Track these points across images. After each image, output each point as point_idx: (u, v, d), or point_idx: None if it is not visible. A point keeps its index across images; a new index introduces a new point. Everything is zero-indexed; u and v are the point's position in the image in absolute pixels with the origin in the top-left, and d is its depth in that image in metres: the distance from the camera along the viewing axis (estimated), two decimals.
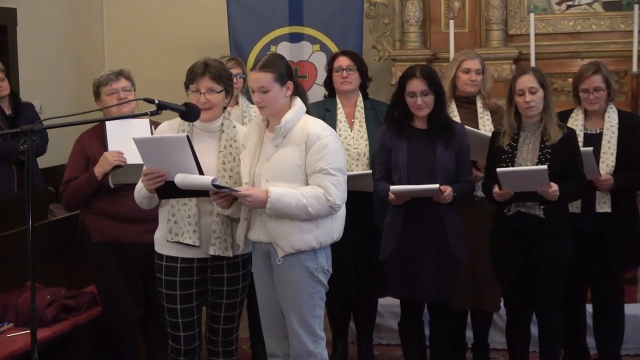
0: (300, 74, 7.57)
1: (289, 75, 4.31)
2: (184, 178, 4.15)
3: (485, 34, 7.53)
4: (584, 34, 7.52)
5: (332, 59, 5.74)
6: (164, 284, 4.48)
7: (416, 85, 4.88)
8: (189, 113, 4.15)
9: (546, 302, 5.01)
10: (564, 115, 5.26)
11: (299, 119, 4.29)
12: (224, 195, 4.23)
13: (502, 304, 5.48)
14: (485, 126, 5.44)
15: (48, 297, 5.07)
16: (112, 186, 4.94)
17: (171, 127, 4.54)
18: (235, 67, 5.46)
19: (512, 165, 4.91)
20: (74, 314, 5.17)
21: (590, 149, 5.07)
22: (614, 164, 5.15)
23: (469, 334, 5.77)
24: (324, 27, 7.68)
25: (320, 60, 7.59)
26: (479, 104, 5.53)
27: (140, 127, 4.93)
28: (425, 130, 4.96)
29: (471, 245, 5.28)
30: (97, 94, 5.15)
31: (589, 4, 7.55)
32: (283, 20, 7.73)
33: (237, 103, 5.58)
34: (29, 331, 3.67)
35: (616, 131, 5.20)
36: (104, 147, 4.99)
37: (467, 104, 5.54)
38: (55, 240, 5.60)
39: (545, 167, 4.75)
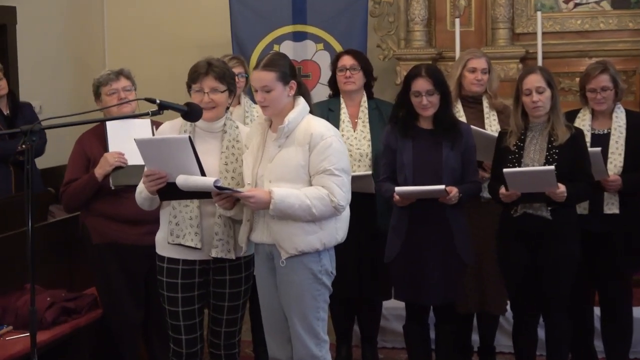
0: (303, 73, 7.58)
1: (292, 74, 4.31)
2: (186, 179, 4.15)
3: (492, 33, 7.52)
4: (592, 32, 7.51)
5: (336, 58, 5.74)
6: (165, 286, 4.48)
7: (421, 84, 4.87)
8: (191, 113, 4.15)
9: (553, 305, 5.01)
10: (571, 116, 5.25)
11: (303, 119, 4.29)
12: (226, 196, 4.23)
13: (508, 307, 5.47)
14: (492, 126, 5.44)
15: (48, 299, 5.08)
16: (112, 187, 4.95)
17: (173, 127, 4.54)
18: (237, 67, 5.47)
19: (519, 166, 4.91)
20: (74, 317, 5.17)
21: (599, 149, 5.07)
22: (622, 164, 5.15)
23: (475, 337, 5.77)
24: (327, 26, 7.68)
25: (324, 60, 7.59)
26: (485, 103, 5.53)
27: (142, 128, 4.93)
28: (431, 131, 4.95)
29: (477, 247, 5.27)
30: (97, 94, 5.15)
31: (597, 2, 7.54)
32: (286, 18, 7.73)
33: (239, 103, 5.58)
34: (28, 334, 3.67)
35: (624, 131, 5.19)
36: (105, 148, 4.99)
37: (473, 103, 5.54)
38: (55, 241, 5.60)
39: (552, 167, 4.74)
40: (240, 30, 7.78)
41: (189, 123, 4.40)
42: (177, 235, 4.38)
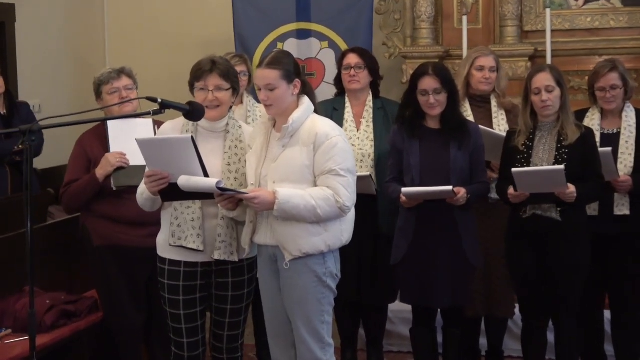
0: (307, 71, 7.57)
1: (296, 73, 4.31)
2: (188, 180, 4.14)
3: (500, 31, 7.51)
4: (602, 30, 7.49)
5: (341, 56, 5.74)
6: (167, 288, 4.48)
7: (428, 83, 4.87)
8: (193, 112, 4.14)
9: (563, 308, 5.00)
10: (580, 115, 5.24)
11: (307, 118, 4.28)
12: (229, 197, 4.22)
13: (516, 310, 5.47)
14: (500, 126, 5.44)
15: (47, 302, 5.07)
16: (114, 188, 4.94)
17: (174, 127, 4.53)
18: (239, 65, 5.47)
19: (528, 166, 4.90)
20: (74, 320, 5.17)
21: (609, 149, 5.06)
22: (632, 164, 5.13)
23: (483, 341, 5.76)
24: (332, 24, 7.67)
25: (328, 58, 7.59)
26: (494, 103, 5.52)
27: (143, 127, 4.93)
28: (438, 130, 4.95)
29: (485, 249, 5.27)
30: (98, 93, 5.15)
31: None
32: (290, 16, 7.72)
33: (241, 102, 5.58)
34: (27, 337, 3.67)
35: (634, 131, 5.18)
36: (106, 148, 4.99)
37: (481, 103, 5.54)
38: (54, 243, 5.60)
39: (562, 167, 4.74)
40: (243, 28, 7.78)
41: (191, 123, 4.40)
42: (179, 237, 4.38)
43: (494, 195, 5.23)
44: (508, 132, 5.15)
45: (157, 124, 4.91)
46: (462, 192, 4.79)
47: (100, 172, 4.94)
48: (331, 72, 7.19)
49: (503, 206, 5.13)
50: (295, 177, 4.20)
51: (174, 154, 4.15)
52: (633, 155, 5.14)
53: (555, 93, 4.91)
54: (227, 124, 4.49)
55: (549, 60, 6.88)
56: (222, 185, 4.13)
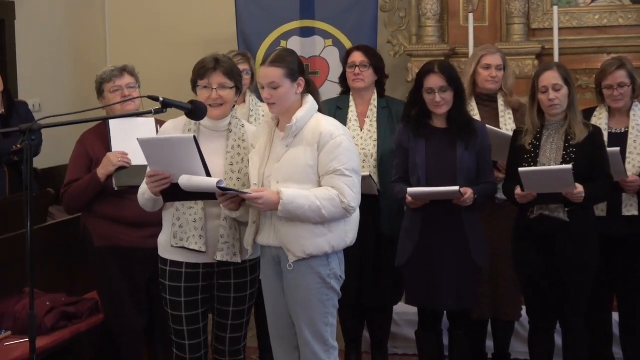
0: (311, 70, 7.56)
1: (300, 71, 4.30)
2: (189, 180, 4.14)
3: (507, 28, 7.50)
4: (611, 27, 7.48)
5: (347, 54, 5.73)
6: (168, 290, 4.48)
7: (434, 81, 4.87)
8: (195, 111, 4.14)
9: (570, 310, 4.99)
10: (587, 114, 5.23)
11: (311, 118, 4.28)
12: (231, 197, 4.22)
13: (523, 312, 5.46)
14: (507, 125, 5.43)
15: (47, 303, 5.08)
16: (115, 188, 4.94)
17: (176, 126, 4.53)
18: (242, 63, 5.47)
19: (535, 165, 4.90)
20: (74, 322, 5.17)
21: (617, 149, 5.05)
22: None
23: (490, 344, 5.76)
24: (336, 21, 7.67)
25: (332, 56, 7.58)
26: (501, 101, 5.52)
27: (146, 127, 4.93)
28: (445, 130, 4.95)
29: (491, 251, 5.25)
30: (99, 91, 5.15)
31: None
32: (294, 13, 7.72)
33: (244, 101, 5.58)
34: (27, 339, 3.66)
35: None
36: (107, 148, 4.99)
37: (487, 101, 5.53)
38: (55, 244, 5.60)
39: (569, 166, 4.73)
40: (246, 26, 7.77)
41: (193, 122, 4.40)
42: (181, 238, 4.38)
43: (500, 195, 5.22)
44: (515, 131, 5.15)
45: (160, 123, 4.91)
46: (468, 192, 4.79)
47: (102, 171, 4.94)
48: (335, 70, 7.19)
49: (510, 206, 5.12)
50: (299, 177, 4.20)
51: (176, 154, 4.15)
52: None
53: (563, 92, 4.90)
54: (230, 123, 4.49)
55: (556, 59, 6.87)
56: (223, 185, 4.13)
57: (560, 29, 7.08)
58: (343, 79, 5.72)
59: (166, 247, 4.46)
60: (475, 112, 5.41)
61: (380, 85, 5.66)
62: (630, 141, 5.17)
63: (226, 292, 4.51)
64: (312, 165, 4.20)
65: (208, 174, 4.16)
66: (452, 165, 4.88)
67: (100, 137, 5.07)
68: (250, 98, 5.67)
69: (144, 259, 4.91)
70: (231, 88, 4.42)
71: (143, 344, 5.29)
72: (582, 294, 4.97)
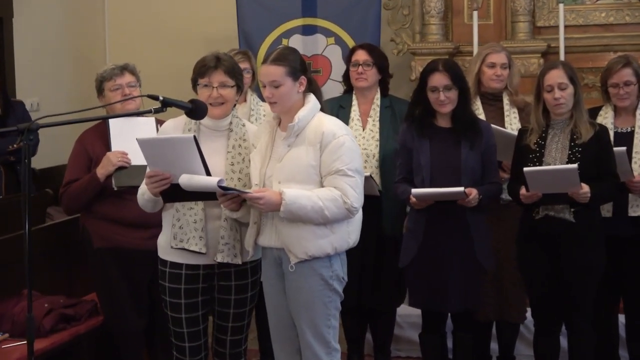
0: (313, 68, 7.55)
1: (302, 69, 4.30)
2: (190, 179, 4.14)
3: (512, 26, 7.49)
4: (617, 25, 7.46)
5: (350, 52, 5.74)
6: (168, 291, 4.47)
7: (438, 79, 4.87)
8: (196, 110, 4.14)
9: (576, 312, 4.99)
10: (592, 113, 5.22)
11: (313, 117, 4.27)
12: (232, 197, 4.21)
13: (528, 314, 5.46)
14: (512, 124, 5.42)
15: (46, 305, 5.08)
16: (115, 188, 4.94)
17: (176, 125, 4.53)
18: (243, 61, 5.46)
19: (540, 165, 4.89)
20: (73, 324, 5.18)
21: (624, 148, 5.04)
22: None
23: (494, 346, 5.75)
24: (339, 19, 7.66)
25: (335, 54, 7.58)
26: (506, 100, 5.52)
27: (146, 126, 4.93)
28: (449, 129, 4.94)
29: (496, 252, 5.25)
30: (100, 90, 5.15)
31: None
32: (295, 11, 7.71)
33: (245, 100, 5.58)
34: (25, 342, 3.66)
35: None
36: (107, 147, 4.99)
37: (492, 100, 5.53)
38: (53, 245, 5.61)
39: (575, 166, 4.72)
40: (247, 24, 7.77)
41: (193, 121, 4.40)
42: (181, 240, 4.37)
43: (505, 196, 5.22)
44: (520, 131, 5.14)
45: (161, 123, 4.91)
46: (473, 193, 4.78)
47: (101, 171, 4.94)
48: (338, 69, 7.19)
49: (515, 207, 5.12)
50: (301, 177, 4.20)
51: (176, 154, 4.14)
52: None
53: (569, 91, 4.90)
54: (231, 123, 4.48)
55: (562, 57, 6.86)
56: (224, 184, 4.12)
57: (566, 26, 7.08)
58: (346, 78, 5.72)
59: (166, 248, 4.46)
60: (480, 112, 5.41)
61: (383, 84, 5.66)
62: (636, 140, 5.16)
63: (227, 294, 4.50)
64: (314, 166, 4.20)
65: (208, 174, 4.15)
66: (456, 165, 4.87)
67: (100, 136, 5.07)
68: (252, 97, 5.67)
69: (144, 260, 4.91)
70: (232, 87, 4.42)
71: (143, 346, 5.29)
72: (587, 295, 4.96)
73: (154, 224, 4.70)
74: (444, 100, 4.87)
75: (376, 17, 7.59)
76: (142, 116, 4.87)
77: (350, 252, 4.47)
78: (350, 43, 7.30)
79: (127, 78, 5.13)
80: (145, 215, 4.58)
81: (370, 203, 5.19)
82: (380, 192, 5.41)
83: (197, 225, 4.35)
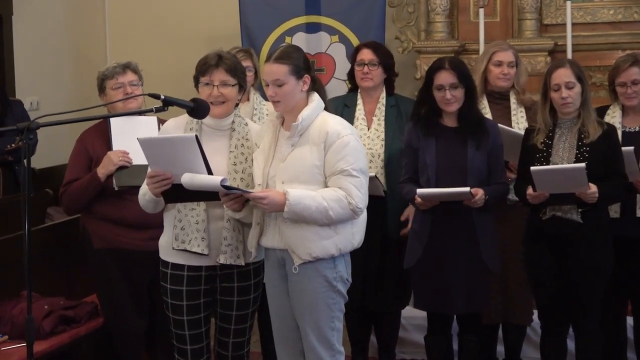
0: (317, 67, 7.54)
1: (306, 68, 4.30)
2: (192, 178, 4.13)
3: (518, 24, 7.48)
4: (625, 23, 7.45)
5: (355, 50, 5.73)
6: (170, 293, 4.47)
7: (445, 77, 4.86)
8: (197, 109, 4.14)
9: (584, 314, 4.99)
10: (600, 112, 5.20)
11: (317, 116, 4.27)
12: (235, 197, 4.21)
13: (535, 316, 5.46)
14: (519, 123, 5.42)
15: (45, 307, 5.08)
16: (116, 188, 4.94)
17: (177, 125, 4.52)
18: (245, 60, 5.45)
19: (547, 165, 4.88)
20: (73, 326, 5.17)
21: (631, 148, 5.03)
22: None
23: (500, 349, 5.75)
24: (343, 17, 7.65)
25: (339, 52, 7.57)
26: (513, 99, 5.51)
27: (148, 125, 4.93)
28: (455, 128, 4.94)
29: (502, 253, 5.25)
30: (101, 88, 5.15)
31: None
32: (299, 9, 7.70)
33: (247, 99, 5.57)
34: (25, 344, 3.67)
35: None
36: (108, 146, 4.99)
37: (499, 99, 5.52)
38: (53, 246, 5.61)
39: (583, 165, 4.71)
40: (250, 21, 7.76)
41: (195, 120, 4.40)
42: (183, 241, 4.37)
43: (512, 196, 5.21)
44: (526, 130, 5.13)
45: (162, 122, 4.90)
46: (480, 193, 4.78)
47: (102, 171, 4.93)
48: (342, 67, 7.18)
49: (522, 207, 5.11)
50: (305, 177, 4.19)
51: (178, 154, 4.14)
52: None
53: (576, 89, 4.89)
54: (233, 122, 4.48)
55: (569, 55, 6.85)
56: (227, 184, 4.12)
57: (573, 24, 7.07)
58: (351, 76, 5.71)
59: (167, 249, 4.46)
60: (486, 110, 5.40)
61: (389, 83, 5.66)
62: None
63: (229, 296, 4.50)
64: (318, 166, 4.19)
65: (210, 174, 4.14)
66: (462, 165, 4.87)
67: (100, 135, 5.06)
68: (254, 96, 5.66)
69: (144, 261, 4.91)
70: (233, 85, 4.41)
71: (143, 348, 5.29)
72: (595, 297, 4.96)
73: (154, 225, 4.70)
74: (450, 98, 4.86)
75: (380, 15, 7.58)
76: (144, 115, 4.86)
77: (354, 253, 4.46)
78: (355, 41, 7.29)
79: (130, 76, 5.13)
80: (145, 216, 4.58)
81: (375, 204, 5.19)
82: (385, 192, 5.41)
83: (199, 226, 4.35)
